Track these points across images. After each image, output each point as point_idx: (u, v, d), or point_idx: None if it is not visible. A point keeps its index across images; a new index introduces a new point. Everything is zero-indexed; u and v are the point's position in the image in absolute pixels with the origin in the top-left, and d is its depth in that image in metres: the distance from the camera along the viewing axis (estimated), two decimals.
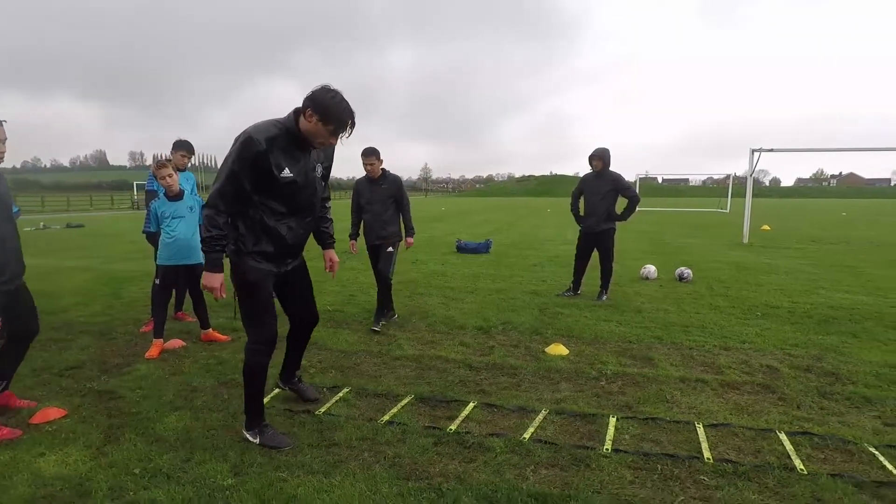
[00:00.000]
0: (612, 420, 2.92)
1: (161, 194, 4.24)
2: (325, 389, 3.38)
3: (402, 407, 3.11)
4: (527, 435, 2.75)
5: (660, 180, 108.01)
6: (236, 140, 2.45)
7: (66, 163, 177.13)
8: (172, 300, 4.82)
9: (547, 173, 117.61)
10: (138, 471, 2.41)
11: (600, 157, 5.81)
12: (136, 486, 2.30)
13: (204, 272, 2.59)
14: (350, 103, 2.46)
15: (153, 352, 3.98)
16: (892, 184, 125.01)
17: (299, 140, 2.51)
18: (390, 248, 4.79)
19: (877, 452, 2.58)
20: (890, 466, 2.45)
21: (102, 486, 2.28)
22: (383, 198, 4.76)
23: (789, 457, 2.54)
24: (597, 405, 3.15)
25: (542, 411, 3.03)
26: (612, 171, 5.88)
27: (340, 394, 3.30)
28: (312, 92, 2.41)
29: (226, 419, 2.94)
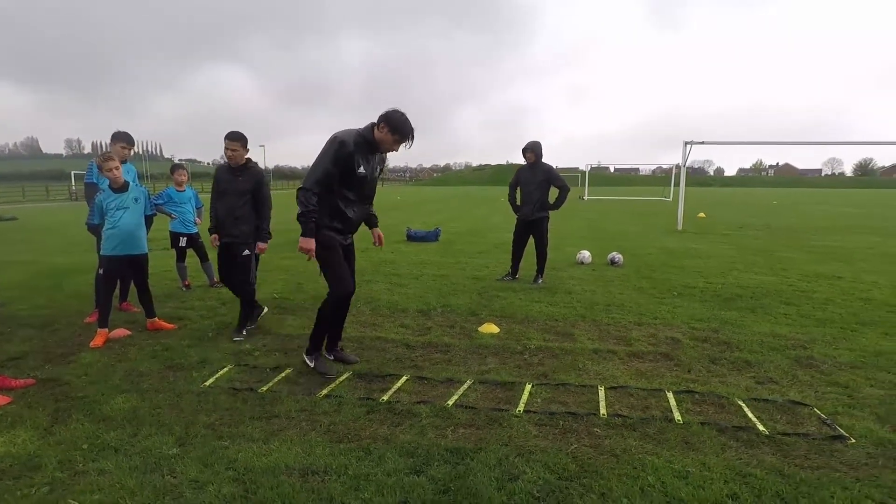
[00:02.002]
0: (528, 387, 3.30)
1: (106, 186, 4.29)
2: (268, 370, 3.60)
3: (340, 382, 3.39)
4: (451, 402, 3.08)
5: (612, 170, 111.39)
6: (332, 142, 3.25)
7: None
8: (117, 291, 4.88)
9: (503, 162, 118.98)
10: (86, 446, 2.59)
11: (532, 150, 6.20)
12: (84, 459, 2.48)
13: (301, 238, 3.28)
14: (411, 122, 3.33)
15: (98, 341, 4.08)
16: (823, 174, 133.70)
17: (372, 145, 3.35)
18: (246, 252, 4.34)
19: (743, 405, 3.07)
20: (750, 415, 2.94)
21: (52, 461, 2.45)
22: (240, 191, 4.29)
23: (671, 411, 2.98)
24: (517, 375, 3.53)
25: (468, 381, 3.38)
26: (544, 163, 6.29)
27: (283, 373, 3.53)
28: (386, 112, 3.29)
29: (172, 399, 3.13)
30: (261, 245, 4.47)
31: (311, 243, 3.29)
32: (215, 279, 6.24)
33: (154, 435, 2.69)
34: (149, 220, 4.59)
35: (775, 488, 2.24)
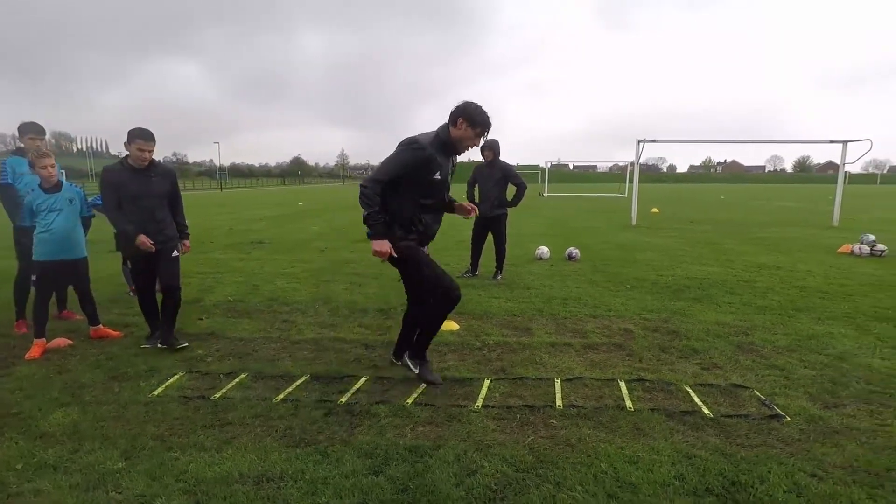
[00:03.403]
0: (486, 382, 3.34)
1: (36, 185, 4.03)
2: (221, 376, 3.50)
3: (298, 386, 3.33)
4: (410, 400, 3.08)
5: (571, 167, 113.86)
6: (407, 146, 3.06)
7: None
8: (54, 298, 4.62)
9: (465, 160, 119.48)
10: (21, 466, 2.44)
11: (490, 148, 6.27)
12: (19, 479, 2.33)
13: (373, 241, 3.08)
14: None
15: (34, 352, 3.85)
16: (766, 170, 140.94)
17: (448, 147, 3.16)
18: (175, 253, 4.06)
19: (690, 390, 3.20)
20: (696, 399, 3.07)
21: None
22: (158, 193, 3.90)
23: (623, 399, 3.08)
24: (475, 370, 3.56)
25: None
26: (502, 161, 6.37)
27: (237, 379, 3.43)
28: (458, 107, 3.10)
29: (117, 410, 3.00)
30: (187, 244, 4.20)
31: (385, 245, 3.07)
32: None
33: (97, 450, 2.56)
34: (87, 222, 4.35)
35: (718, 467, 2.35)
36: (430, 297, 3.28)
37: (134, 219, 3.82)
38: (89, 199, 4.53)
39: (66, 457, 2.51)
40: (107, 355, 3.87)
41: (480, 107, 3.13)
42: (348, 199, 31.60)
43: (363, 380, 3.40)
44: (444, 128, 3.16)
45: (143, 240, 3.78)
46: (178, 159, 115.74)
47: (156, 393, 3.22)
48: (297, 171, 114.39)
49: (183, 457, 2.50)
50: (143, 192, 3.83)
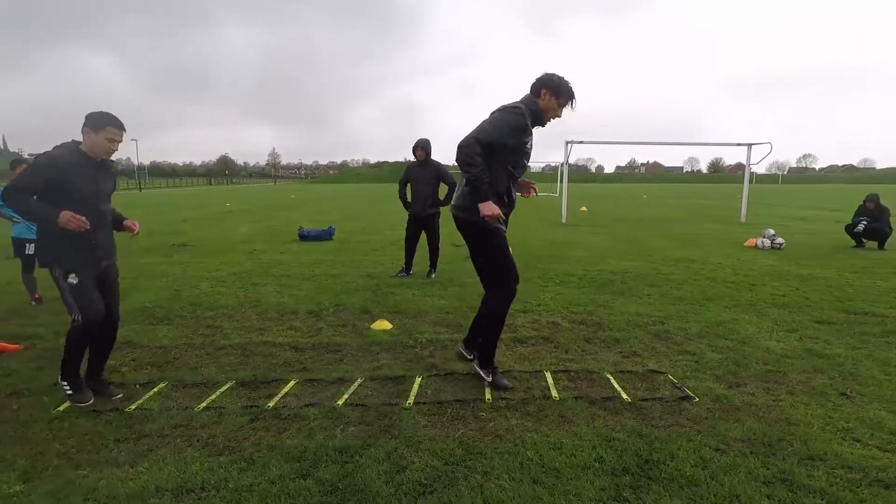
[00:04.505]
0: (418, 379, 3.36)
1: None
2: (138, 386, 3.29)
3: (222, 393, 3.19)
4: (340, 401, 3.04)
5: None
6: (511, 110, 2.96)
7: None
8: None
9: (401, 159, 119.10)
10: None
11: (423, 148, 6.31)
12: None
13: (481, 204, 2.89)
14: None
15: None
16: (684, 171, 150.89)
17: (536, 118, 3.07)
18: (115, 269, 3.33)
19: (611, 377, 3.39)
20: (616, 386, 3.25)
21: None
22: (108, 194, 3.19)
23: (549, 389, 3.21)
24: (408, 368, 3.57)
25: (359, 379, 3.36)
26: (434, 160, 6.42)
27: (156, 388, 3.25)
28: (541, 78, 3.06)
29: (15, 429, 2.74)
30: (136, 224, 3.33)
31: (494, 207, 2.90)
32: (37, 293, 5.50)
33: None
34: None
35: (634, 448, 2.51)
36: (500, 284, 3.17)
37: (98, 230, 2.97)
38: None
39: None
40: (4, 370, 3.54)
41: (564, 77, 3.08)
42: (280, 199, 30.62)
43: (292, 383, 3.32)
44: (530, 99, 3.08)
45: (69, 217, 2.73)
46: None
47: (61, 409, 2.98)
48: (224, 170, 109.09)
49: (92, 474, 2.34)
50: (99, 189, 2.99)
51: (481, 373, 3.26)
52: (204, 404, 3.02)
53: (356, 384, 3.29)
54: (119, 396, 3.14)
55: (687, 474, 2.29)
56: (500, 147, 2.96)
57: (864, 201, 9.52)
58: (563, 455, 2.45)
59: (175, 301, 5.48)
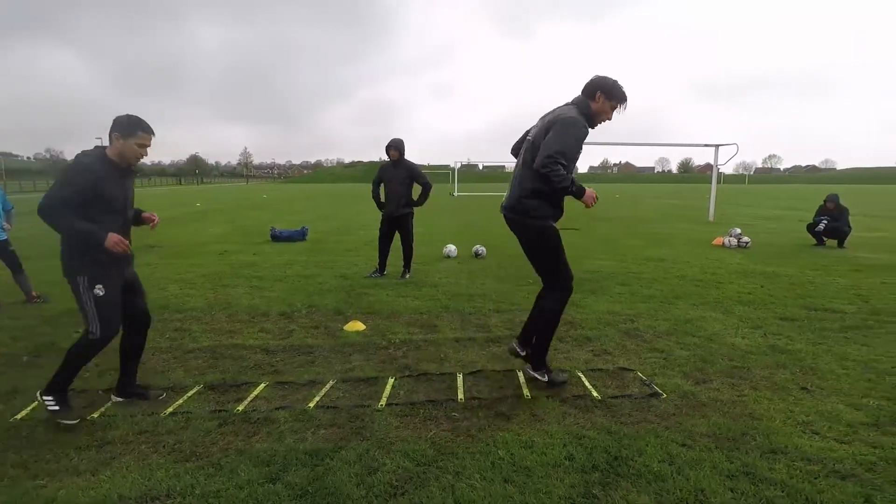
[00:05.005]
0: (391, 380, 3.35)
1: None
2: (100, 392, 3.19)
3: (190, 397, 3.12)
4: (312, 404, 3.01)
5: (480, 167, 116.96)
6: (580, 125, 3.00)
7: None
8: None
9: (375, 159, 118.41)
10: None
11: (396, 148, 6.28)
12: None
13: (585, 197, 3.11)
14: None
15: None
16: (655, 171, 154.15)
17: (589, 121, 3.08)
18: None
19: (582, 376, 3.43)
20: (587, 383, 3.30)
21: None
22: (132, 200, 3.13)
23: (522, 388, 3.23)
24: (380, 370, 3.55)
25: (330, 381, 3.33)
26: (407, 160, 6.40)
27: None
28: (593, 81, 3.08)
29: None
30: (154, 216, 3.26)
31: (593, 192, 3.15)
32: (34, 293, 5.37)
33: None
34: None
35: (604, 445, 2.54)
36: (558, 284, 3.27)
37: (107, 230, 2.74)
38: None
39: None
40: None
41: (617, 80, 3.11)
42: (252, 199, 30.13)
43: (262, 386, 3.26)
44: (584, 102, 3.10)
45: (117, 240, 2.72)
46: (52, 157, 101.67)
47: (19, 416, 2.87)
48: (194, 169, 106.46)
49: (51, 484, 2.26)
50: (126, 196, 2.92)
51: (535, 375, 3.29)
52: (170, 409, 2.94)
53: (328, 386, 3.26)
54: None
55: (654, 470, 2.34)
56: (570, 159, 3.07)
57: (825, 201, 9.87)
58: (535, 453, 2.47)
59: None
